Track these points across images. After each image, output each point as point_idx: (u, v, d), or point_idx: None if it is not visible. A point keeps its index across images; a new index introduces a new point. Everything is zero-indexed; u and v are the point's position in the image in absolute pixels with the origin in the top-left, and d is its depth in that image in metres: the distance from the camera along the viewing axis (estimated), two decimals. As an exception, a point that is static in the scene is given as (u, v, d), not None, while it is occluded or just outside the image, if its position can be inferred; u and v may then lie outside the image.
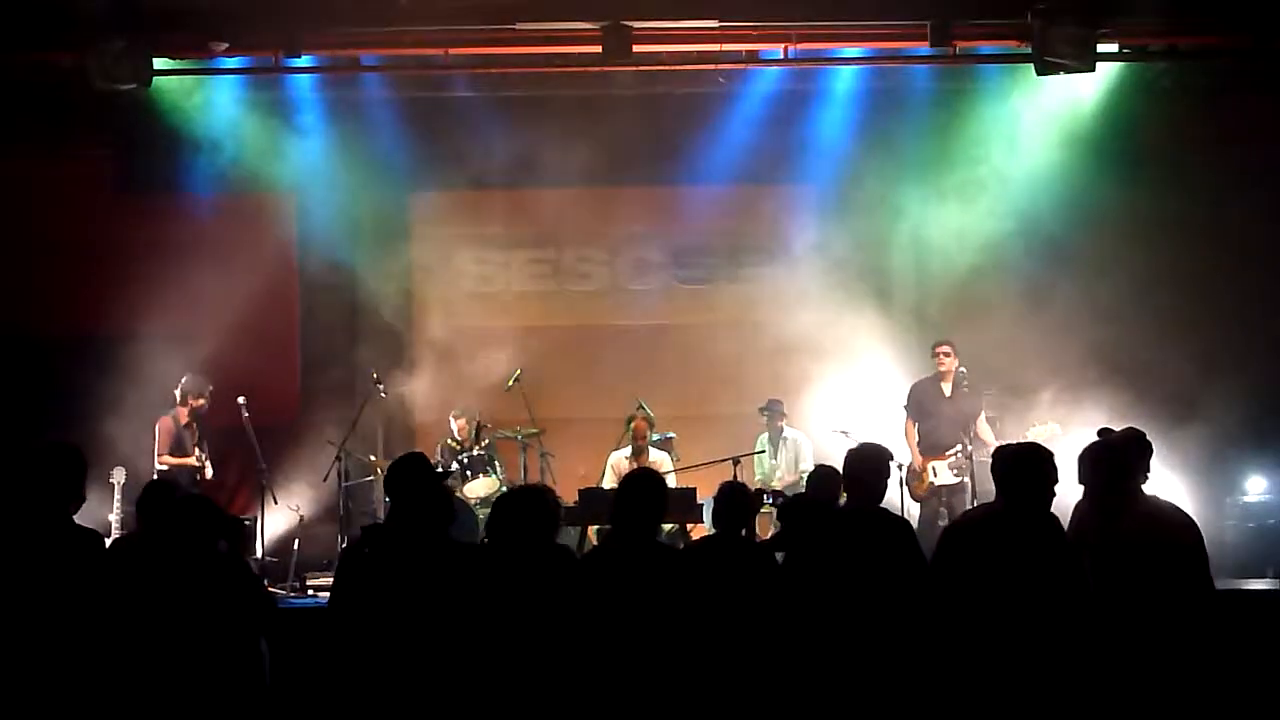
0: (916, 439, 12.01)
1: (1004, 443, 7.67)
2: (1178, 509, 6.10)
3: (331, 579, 6.74)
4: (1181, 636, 5.79)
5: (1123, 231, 12.64)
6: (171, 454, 11.68)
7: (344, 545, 10.21)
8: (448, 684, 5.90)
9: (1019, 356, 12.44)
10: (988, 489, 8.33)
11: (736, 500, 7.12)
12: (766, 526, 11.64)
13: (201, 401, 11.93)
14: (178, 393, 11.93)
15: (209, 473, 11.98)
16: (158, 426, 11.77)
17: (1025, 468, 6.08)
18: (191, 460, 11.84)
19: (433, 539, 6.20)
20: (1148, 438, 6.19)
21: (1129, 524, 5.94)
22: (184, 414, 11.90)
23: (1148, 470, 6.09)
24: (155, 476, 11.15)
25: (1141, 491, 6.06)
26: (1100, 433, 6.45)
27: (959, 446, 11.65)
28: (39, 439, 11.14)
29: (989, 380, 12.49)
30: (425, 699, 5.91)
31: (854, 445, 7.24)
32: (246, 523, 11.50)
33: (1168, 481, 10.30)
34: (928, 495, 11.76)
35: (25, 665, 5.90)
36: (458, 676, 5.90)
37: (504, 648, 5.90)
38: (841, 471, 7.09)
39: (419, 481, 6.28)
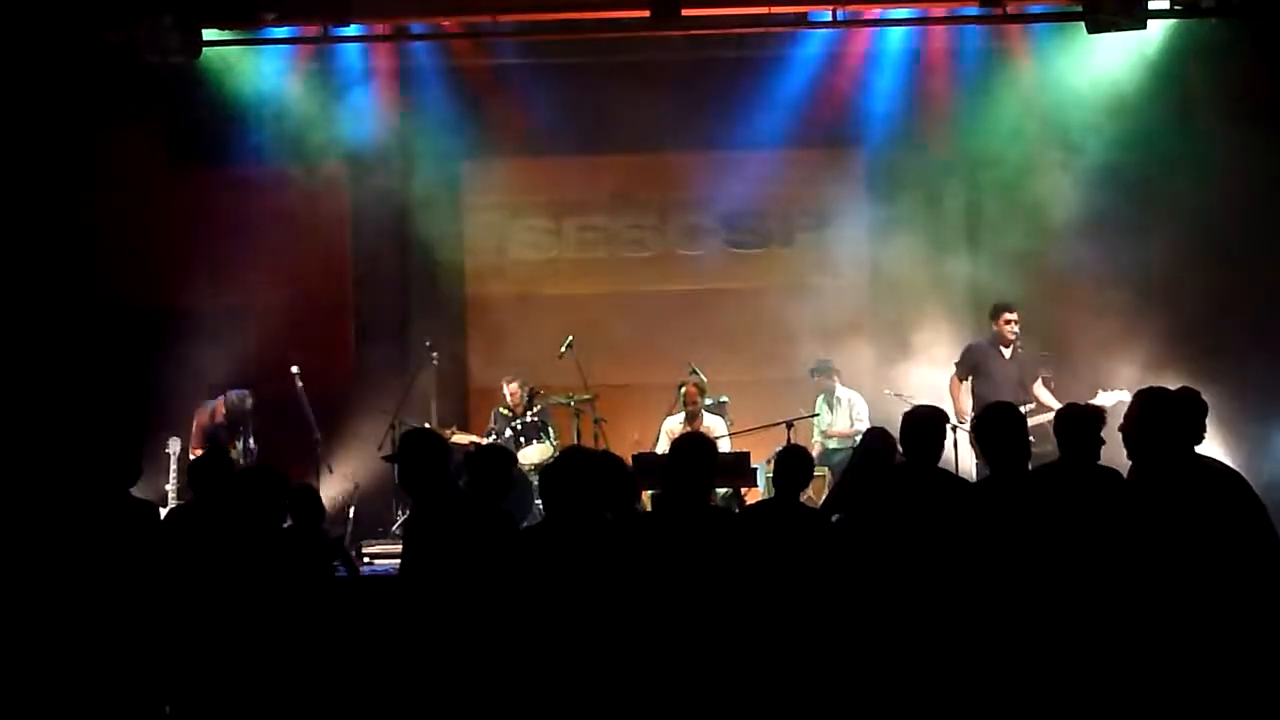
0: (969, 400, 11.85)
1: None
2: (1228, 470, 5.96)
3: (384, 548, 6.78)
4: (1240, 597, 5.67)
5: (1184, 195, 12.38)
6: (203, 448, 11.58)
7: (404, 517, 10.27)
8: (498, 652, 5.94)
9: (1078, 321, 12.33)
10: (1045, 450, 8.24)
11: (796, 464, 7.03)
12: (821, 489, 11.64)
13: (221, 418, 11.78)
14: (223, 397, 11.88)
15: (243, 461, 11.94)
16: (195, 419, 11.78)
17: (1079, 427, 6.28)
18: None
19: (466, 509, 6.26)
20: (1202, 397, 6.07)
21: (1179, 487, 5.83)
22: (218, 413, 11.86)
23: (1202, 431, 5.97)
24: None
25: (1193, 454, 5.92)
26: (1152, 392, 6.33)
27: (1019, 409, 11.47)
28: (94, 410, 11.32)
29: (1046, 345, 12.38)
30: (477, 663, 5.95)
31: (909, 408, 7.16)
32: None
33: (1227, 441, 10.25)
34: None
35: (81, 636, 5.96)
36: (510, 646, 5.93)
37: (561, 615, 5.92)
38: (899, 434, 7.05)
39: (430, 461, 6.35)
